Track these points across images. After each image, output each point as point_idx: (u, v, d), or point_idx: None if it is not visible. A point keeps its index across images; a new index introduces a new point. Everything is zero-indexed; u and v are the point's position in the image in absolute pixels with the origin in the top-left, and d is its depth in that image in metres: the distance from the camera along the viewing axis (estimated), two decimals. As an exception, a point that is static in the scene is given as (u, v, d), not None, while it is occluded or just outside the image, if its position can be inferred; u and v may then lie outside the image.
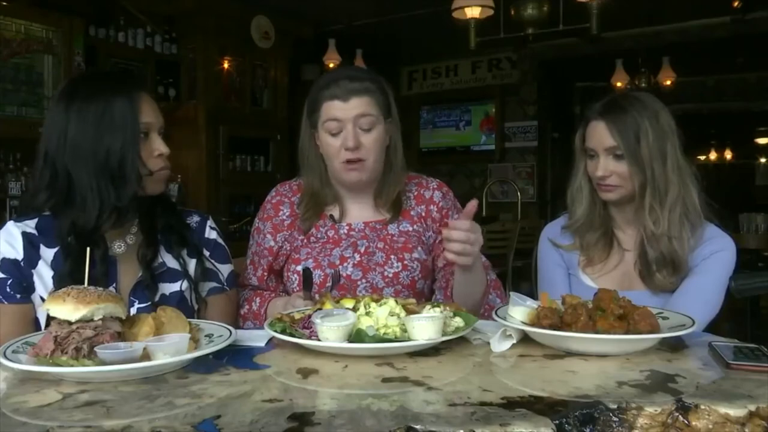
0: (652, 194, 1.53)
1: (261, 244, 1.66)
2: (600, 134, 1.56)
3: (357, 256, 1.57)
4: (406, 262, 1.58)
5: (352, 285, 1.54)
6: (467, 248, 1.32)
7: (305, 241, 1.62)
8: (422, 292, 1.61)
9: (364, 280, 1.56)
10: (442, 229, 1.36)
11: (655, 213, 1.53)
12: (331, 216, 1.64)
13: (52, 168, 1.36)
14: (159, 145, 1.41)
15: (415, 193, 1.68)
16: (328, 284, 1.52)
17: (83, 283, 1.22)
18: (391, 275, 1.56)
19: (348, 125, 1.52)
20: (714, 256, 1.53)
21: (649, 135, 1.51)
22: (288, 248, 1.63)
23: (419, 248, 1.61)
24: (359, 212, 1.65)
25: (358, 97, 1.52)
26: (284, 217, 1.65)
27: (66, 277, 1.31)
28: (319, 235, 1.62)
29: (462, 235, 1.31)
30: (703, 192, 1.58)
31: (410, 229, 1.63)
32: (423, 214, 1.65)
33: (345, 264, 1.56)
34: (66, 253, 1.36)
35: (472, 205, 1.33)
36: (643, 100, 1.58)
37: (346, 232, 1.62)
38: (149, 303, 1.40)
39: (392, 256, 1.58)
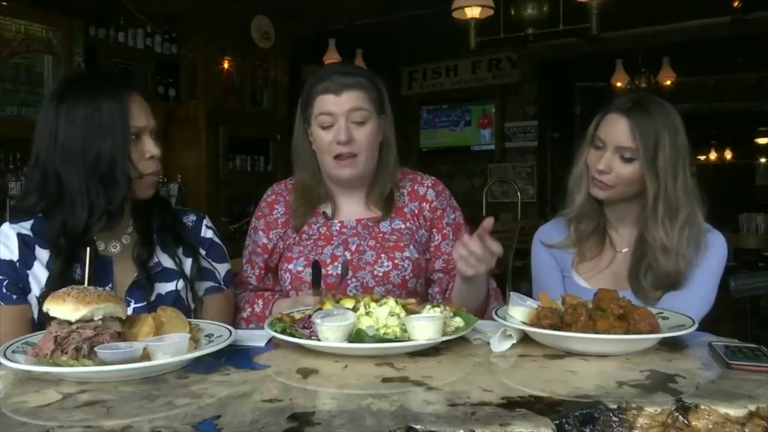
0: (665, 209, 1.51)
1: (256, 242, 1.66)
2: (619, 131, 1.52)
3: (348, 255, 1.56)
4: (396, 261, 1.56)
5: (342, 284, 1.54)
6: (471, 263, 1.33)
7: (297, 238, 1.62)
8: (414, 290, 1.59)
9: (354, 279, 1.55)
10: (452, 245, 1.38)
11: (666, 228, 1.51)
12: (324, 213, 1.63)
13: (43, 169, 1.36)
14: (150, 147, 1.38)
15: (409, 189, 1.67)
16: (331, 280, 1.52)
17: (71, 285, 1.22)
18: (381, 274, 1.55)
19: (340, 119, 1.52)
20: (706, 253, 1.53)
21: (667, 148, 1.49)
22: (281, 246, 1.63)
23: (411, 246, 1.59)
24: (352, 209, 1.64)
25: (351, 91, 1.52)
26: (278, 216, 1.66)
27: (56, 279, 1.32)
28: (311, 233, 1.62)
29: (464, 252, 1.32)
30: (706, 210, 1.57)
31: (403, 226, 1.62)
32: (416, 211, 1.64)
33: (335, 263, 1.55)
34: (56, 255, 1.35)
35: (488, 222, 1.33)
36: (667, 110, 1.54)
37: (338, 229, 1.61)
38: (145, 303, 1.40)
39: (383, 255, 1.56)
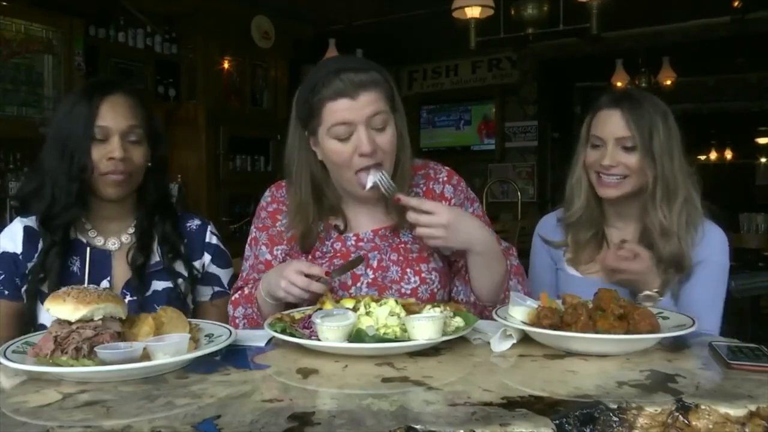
0: (662, 192, 1.54)
1: (258, 257, 1.51)
2: (614, 123, 1.55)
3: (370, 273, 1.43)
4: (423, 275, 1.43)
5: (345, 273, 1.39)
6: (436, 233, 1.30)
7: (310, 256, 1.46)
8: (442, 301, 1.46)
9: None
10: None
11: (663, 211, 1.54)
12: (336, 226, 1.47)
13: (37, 160, 1.48)
14: (113, 149, 1.43)
15: (424, 189, 1.51)
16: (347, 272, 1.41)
17: (52, 272, 1.38)
18: (409, 291, 1.42)
19: (360, 127, 1.32)
20: (710, 260, 1.55)
21: (661, 131, 1.53)
22: None
23: (435, 255, 1.46)
24: (366, 219, 1.48)
25: (368, 92, 1.31)
26: (282, 228, 1.49)
27: (39, 256, 1.43)
28: (325, 250, 1.46)
29: (423, 229, 1.30)
30: (702, 196, 1.60)
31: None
32: None
33: (358, 284, 1.42)
34: (42, 239, 1.44)
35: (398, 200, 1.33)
36: (653, 98, 1.60)
37: (354, 243, 1.46)
38: (139, 297, 1.46)
39: (408, 270, 1.43)
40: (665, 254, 1.52)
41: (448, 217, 1.30)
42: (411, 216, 1.32)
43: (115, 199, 1.48)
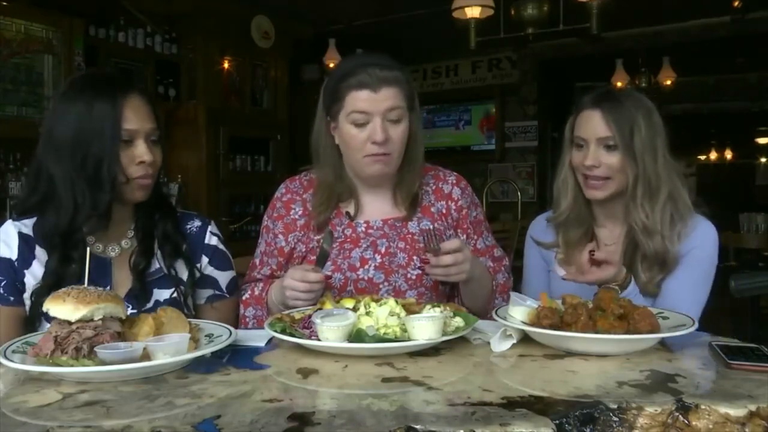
0: (644, 190, 1.53)
1: (271, 244, 1.59)
2: (594, 123, 1.55)
3: (378, 258, 1.50)
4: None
5: (373, 288, 1.47)
6: (452, 270, 1.35)
7: (321, 241, 1.50)
8: (444, 293, 1.55)
9: (386, 283, 1.48)
10: (424, 266, 1.40)
11: (645, 210, 1.53)
12: (348, 213, 1.55)
13: (38, 165, 1.38)
14: (141, 152, 1.36)
15: (434, 187, 1.61)
16: (362, 285, 1.48)
17: (65, 283, 1.25)
18: (414, 277, 1.49)
19: (376, 118, 1.43)
20: (693, 252, 1.54)
21: (642, 129, 1.52)
22: (303, 249, 1.54)
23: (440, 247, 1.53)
24: (377, 208, 1.57)
25: (389, 88, 1.43)
26: (296, 217, 1.58)
27: (51, 276, 1.33)
28: (336, 235, 1.53)
29: (443, 270, 1.35)
30: (692, 192, 1.59)
31: (431, 227, 1.54)
32: (443, 211, 1.58)
33: (366, 266, 1.49)
34: (50, 252, 1.36)
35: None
36: (636, 95, 1.59)
37: (364, 230, 1.54)
38: (141, 309, 1.39)
39: (415, 258, 1.50)
40: (649, 252, 1.52)
41: (467, 251, 1.38)
42: (448, 259, 1.34)
43: (139, 203, 1.42)
